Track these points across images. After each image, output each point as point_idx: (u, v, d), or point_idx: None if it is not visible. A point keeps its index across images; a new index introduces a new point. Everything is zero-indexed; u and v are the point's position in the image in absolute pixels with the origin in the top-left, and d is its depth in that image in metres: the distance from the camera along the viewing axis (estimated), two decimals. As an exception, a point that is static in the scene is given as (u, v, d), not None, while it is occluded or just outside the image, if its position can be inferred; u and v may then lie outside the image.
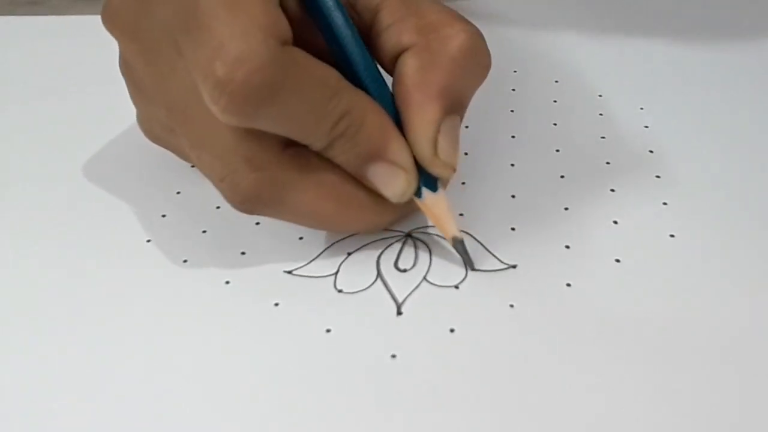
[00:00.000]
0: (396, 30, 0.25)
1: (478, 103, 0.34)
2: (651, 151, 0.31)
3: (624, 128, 0.33)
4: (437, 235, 0.27)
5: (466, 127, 0.32)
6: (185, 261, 0.27)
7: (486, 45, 0.25)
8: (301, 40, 0.23)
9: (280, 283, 0.26)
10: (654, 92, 0.35)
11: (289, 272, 0.26)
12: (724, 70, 0.36)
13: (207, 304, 0.25)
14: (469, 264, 0.26)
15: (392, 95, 0.25)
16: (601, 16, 0.40)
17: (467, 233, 0.27)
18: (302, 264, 0.27)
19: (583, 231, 0.27)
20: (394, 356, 0.23)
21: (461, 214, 0.28)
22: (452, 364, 0.23)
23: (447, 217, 0.25)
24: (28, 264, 0.27)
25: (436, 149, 0.24)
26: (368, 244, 0.27)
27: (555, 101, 0.34)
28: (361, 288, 0.26)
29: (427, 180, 0.25)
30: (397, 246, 0.27)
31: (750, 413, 0.22)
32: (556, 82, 0.35)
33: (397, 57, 0.25)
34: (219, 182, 0.24)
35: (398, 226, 0.28)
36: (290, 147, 0.24)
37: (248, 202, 0.24)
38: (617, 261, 0.26)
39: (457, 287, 0.25)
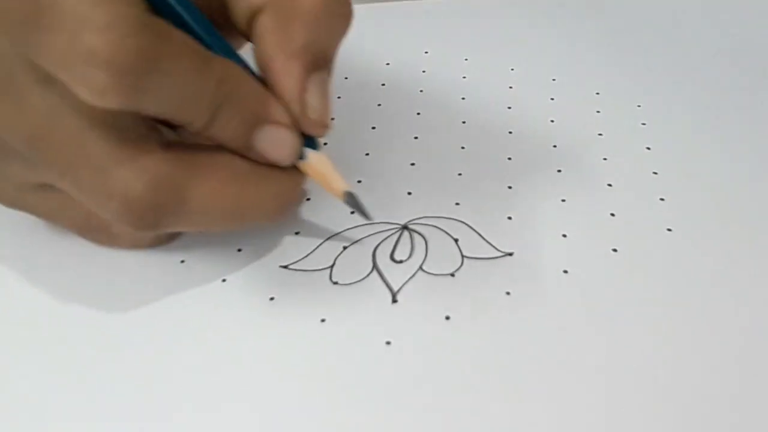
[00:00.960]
0: None
1: (474, 99, 0.34)
2: (648, 148, 0.31)
3: (621, 125, 0.33)
4: (434, 226, 0.27)
5: (463, 122, 0.33)
6: (182, 261, 0.27)
7: None
8: None
9: (276, 278, 0.26)
10: (651, 90, 0.35)
11: (285, 267, 0.26)
12: (721, 68, 0.36)
13: (204, 303, 0.25)
14: (365, 216, 0.25)
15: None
16: (599, 15, 0.40)
17: (463, 222, 0.27)
18: (298, 259, 0.26)
19: (580, 221, 0.27)
20: (388, 343, 0.23)
21: (457, 204, 0.28)
22: (447, 350, 0.23)
23: (333, 174, 0.24)
24: (29, 262, 0.27)
25: (305, 109, 0.23)
26: (364, 237, 0.27)
27: (552, 98, 0.34)
28: (357, 279, 0.25)
29: (307, 141, 0.24)
30: (394, 238, 0.27)
31: (747, 405, 0.22)
32: (554, 80, 0.35)
33: (251, 20, 0.24)
34: (108, 202, 0.22)
35: (395, 219, 0.27)
36: (170, 147, 0.23)
37: (148, 213, 0.22)
38: (614, 250, 0.26)
39: (453, 275, 0.25)
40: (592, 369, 0.22)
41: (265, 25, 0.23)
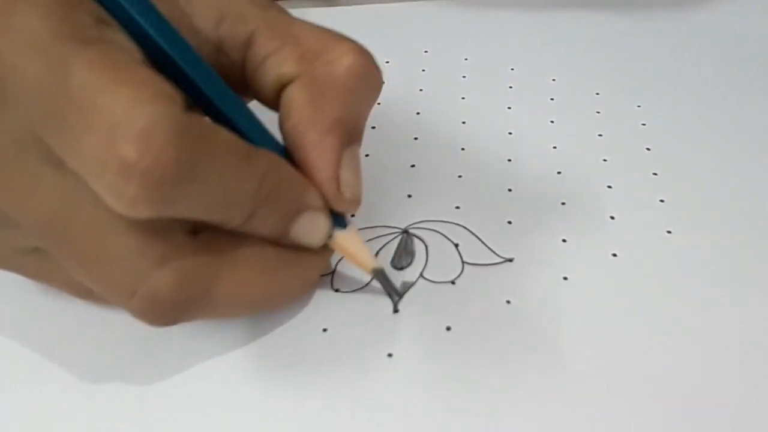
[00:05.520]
0: (274, 62, 0.23)
1: (475, 99, 0.34)
2: (648, 149, 0.31)
3: (621, 126, 0.33)
4: (435, 230, 0.27)
5: (463, 122, 0.33)
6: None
7: (374, 61, 0.23)
8: None
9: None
10: (651, 90, 0.35)
11: (286, 272, 0.26)
12: (721, 68, 0.36)
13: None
14: (395, 293, 0.25)
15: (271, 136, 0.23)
16: (599, 15, 0.40)
17: (464, 226, 0.27)
18: (299, 264, 0.26)
19: (579, 225, 0.27)
20: (390, 355, 0.23)
21: (457, 207, 0.28)
22: (448, 362, 0.23)
23: (362, 251, 0.24)
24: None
25: (339, 186, 0.22)
26: (365, 242, 0.27)
27: (552, 99, 0.34)
28: (358, 287, 0.25)
29: (334, 218, 0.23)
30: (394, 243, 0.27)
31: (749, 408, 0.22)
32: (553, 80, 0.35)
33: (279, 91, 0.23)
34: (130, 300, 0.20)
35: (395, 223, 0.28)
36: (196, 236, 0.21)
37: (173, 310, 0.20)
38: (614, 255, 0.26)
39: (453, 282, 0.25)
40: (594, 376, 0.23)
41: (295, 97, 0.22)
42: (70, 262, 0.20)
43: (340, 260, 0.26)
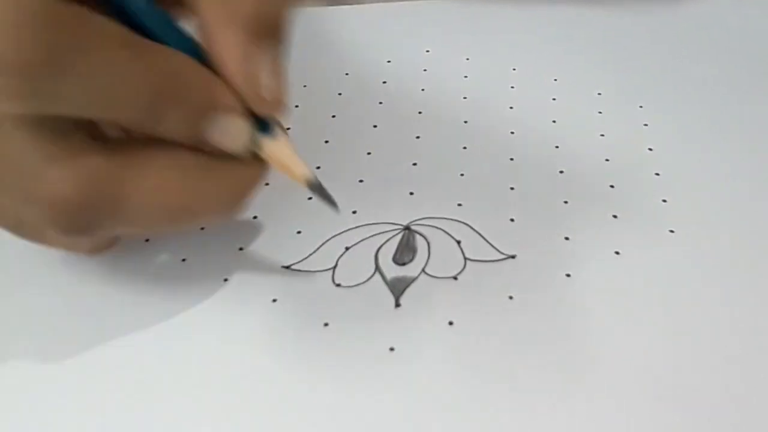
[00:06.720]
0: None
1: (476, 98, 0.34)
2: (650, 149, 0.31)
3: (623, 126, 0.32)
4: (437, 227, 0.27)
5: (465, 122, 0.33)
6: (184, 260, 0.26)
7: None
8: None
9: (279, 279, 0.26)
10: (653, 91, 0.35)
11: (287, 267, 0.26)
12: (723, 68, 0.36)
13: (206, 303, 0.25)
14: (331, 204, 0.23)
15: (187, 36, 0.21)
16: (601, 15, 0.40)
17: (466, 223, 0.27)
18: (300, 259, 0.26)
19: (582, 223, 0.27)
20: (392, 349, 0.23)
21: (459, 205, 0.28)
22: (450, 356, 0.23)
23: (293, 161, 0.22)
24: (32, 265, 0.27)
25: (253, 84, 0.21)
26: (367, 238, 0.27)
27: (554, 99, 0.34)
28: (360, 282, 0.25)
29: (260, 125, 0.22)
30: (396, 239, 0.27)
31: (748, 407, 0.22)
32: (555, 80, 0.35)
33: None
34: (34, 205, 0.20)
35: (397, 219, 0.27)
36: (107, 142, 0.20)
37: (79, 215, 0.19)
38: (617, 253, 0.26)
39: (455, 278, 0.25)
40: (595, 373, 0.22)
41: None
42: None
43: (341, 255, 0.26)
